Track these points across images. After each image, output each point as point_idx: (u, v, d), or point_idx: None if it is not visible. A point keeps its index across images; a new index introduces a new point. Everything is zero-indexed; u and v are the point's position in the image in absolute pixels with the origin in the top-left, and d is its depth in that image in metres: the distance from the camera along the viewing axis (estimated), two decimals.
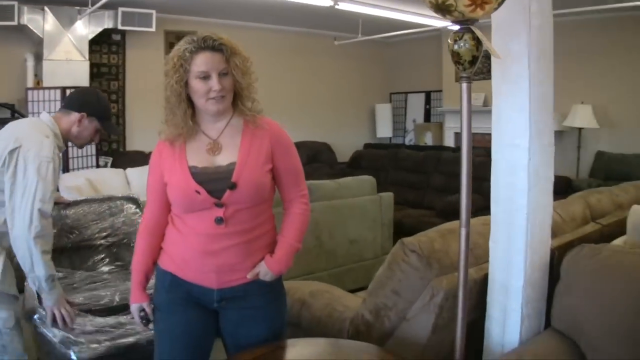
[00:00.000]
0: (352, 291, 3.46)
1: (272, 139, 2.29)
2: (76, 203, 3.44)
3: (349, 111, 11.23)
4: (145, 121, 7.50)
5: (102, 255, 3.51)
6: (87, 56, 7.65)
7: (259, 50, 9.82)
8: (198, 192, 2.16)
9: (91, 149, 7.36)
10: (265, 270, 2.25)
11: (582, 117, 7.92)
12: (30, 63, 7.49)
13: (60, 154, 2.91)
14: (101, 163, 7.55)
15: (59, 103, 7.08)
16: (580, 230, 3.24)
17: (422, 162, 8.59)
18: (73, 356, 2.74)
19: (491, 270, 2.56)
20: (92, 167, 7.25)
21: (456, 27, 2.15)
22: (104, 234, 3.50)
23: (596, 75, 8.16)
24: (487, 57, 2.21)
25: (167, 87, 2.19)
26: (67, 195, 3.73)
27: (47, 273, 2.67)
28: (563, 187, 6.45)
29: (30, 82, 7.46)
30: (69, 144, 3.12)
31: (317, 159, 10.02)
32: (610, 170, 7.60)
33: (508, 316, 2.49)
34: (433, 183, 8.28)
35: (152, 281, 2.40)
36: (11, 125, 2.95)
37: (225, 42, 2.20)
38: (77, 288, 3.15)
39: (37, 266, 2.64)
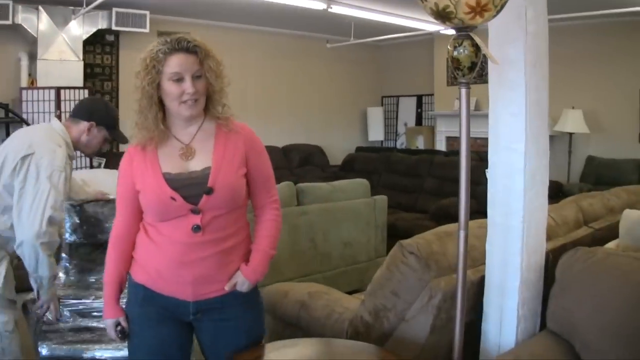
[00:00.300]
0: (346, 294, 3.48)
1: (246, 144, 2.24)
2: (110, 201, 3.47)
3: (340, 114, 11.24)
4: None
5: None
6: (81, 56, 7.62)
7: (251, 53, 9.88)
8: (173, 199, 2.10)
9: None
10: (242, 280, 2.21)
11: (573, 122, 7.97)
12: (24, 62, 7.46)
13: (71, 163, 2.95)
14: (95, 164, 7.53)
15: (53, 103, 7.13)
16: (574, 234, 3.29)
17: (415, 166, 8.60)
18: None
19: (488, 272, 2.59)
20: (86, 167, 7.24)
21: (450, 32, 2.20)
22: None
23: (587, 81, 8.22)
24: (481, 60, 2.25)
25: (138, 89, 2.13)
26: None
27: (51, 273, 2.74)
28: (554, 192, 6.48)
29: (24, 82, 7.43)
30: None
31: (309, 162, 10.03)
32: (600, 175, 7.65)
33: (504, 317, 2.53)
34: (426, 187, 8.29)
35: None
36: (24, 131, 3.00)
37: (200, 44, 2.14)
38: None
39: (41, 268, 2.68)
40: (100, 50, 8.28)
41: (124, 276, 2.27)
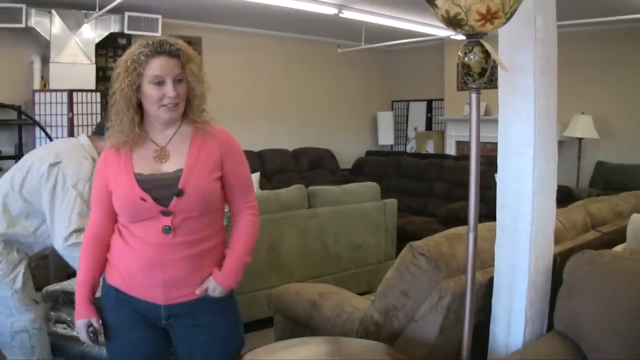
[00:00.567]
0: None
1: (222, 147, 2.21)
2: None
3: (351, 118, 11.29)
4: None
5: None
6: (93, 59, 7.68)
7: (262, 57, 9.96)
8: (144, 200, 2.08)
9: None
10: (214, 285, 2.17)
11: (583, 127, 7.97)
12: (37, 65, 7.52)
13: None
14: None
15: (66, 105, 7.22)
16: (582, 238, 3.32)
17: (425, 170, 8.61)
18: None
19: (496, 274, 2.62)
20: None
21: (460, 37, 2.23)
22: None
23: (597, 86, 8.24)
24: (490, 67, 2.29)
25: (117, 91, 2.09)
26: None
27: None
28: (563, 197, 6.49)
29: (37, 84, 7.49)
30: None
31: (320, 166, 10.08)
32: (609, 180, 7.64)
33: (512, 318, 2.56)
34: (435, 190, 8.30)
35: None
36: (50, 144, 3.11)
37: (182, 47, 2.11)
38: None
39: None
40: (112, 53, 8.32)
41: (96, 278, 2.24)
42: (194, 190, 2.10)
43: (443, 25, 2.22)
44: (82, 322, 2.20)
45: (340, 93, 11.03)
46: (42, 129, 7.06)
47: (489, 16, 2.06)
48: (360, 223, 5.52)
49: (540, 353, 2.32)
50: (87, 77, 7.61)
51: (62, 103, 7.29)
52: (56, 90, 7.32)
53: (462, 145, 10.11)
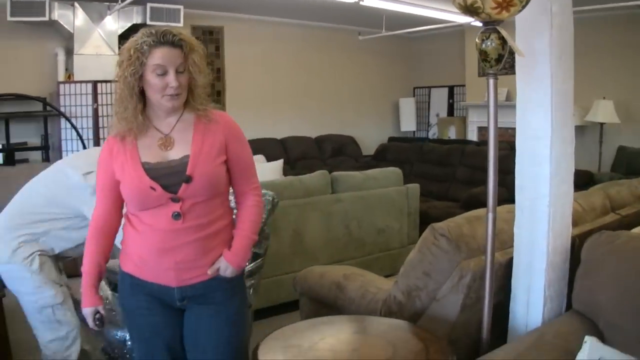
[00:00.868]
0: None
1: (225, 132, 2.24)
2: None
3: (373, 105, 11.31)
4: None
5: None
6: (116, 51, 7.62)
7: (284, 45, 10.01)
8: (153, 189, 2.11)
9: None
10: (225, 265, 2.21)
11: (604, 112, 7.94)
12: (61, 57, 7.61)
13: None
14: None
15: (90, 96, 7.33)
16: (600, 220, 3.35)
17: (447, 155, 8.63)
18: None
19: (516, 254, 2.68)
20: None
21: (479, 23, 2.30)
22: None
23: (618, 71, 8.18)
24: (511, 52, 2.33)
25: (120, 79, 2.11)
26: None
27: None
28: (585, 181, 6.47)
29: (61, 76, 7.58)
30: None
31: (342, 152, 10.12)
32: (631, 164, 7.57)
33: (531, 298, 2.62)
34: (457, 175, 8.31)
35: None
36: (85, 151, 3.22)
37: (185, 38, 2.13)
38: None
39: None
40: None
41: (102, 267, 2.28)
42: (201, 176, 2.14)
43: None
44: (89, 309, 2.26)
45: (362, 80, 11.03)
46: (68, 119, 7.17)
47: (505, 4, 2.13)
48: (383, 208, 5.57)
49: (558, 331, 2.36)
50: (110, 68, 7.40)
51: (86, 94, 7.39)
52: (81, 82, 7.41)
53: (484, 131, 10.03)
